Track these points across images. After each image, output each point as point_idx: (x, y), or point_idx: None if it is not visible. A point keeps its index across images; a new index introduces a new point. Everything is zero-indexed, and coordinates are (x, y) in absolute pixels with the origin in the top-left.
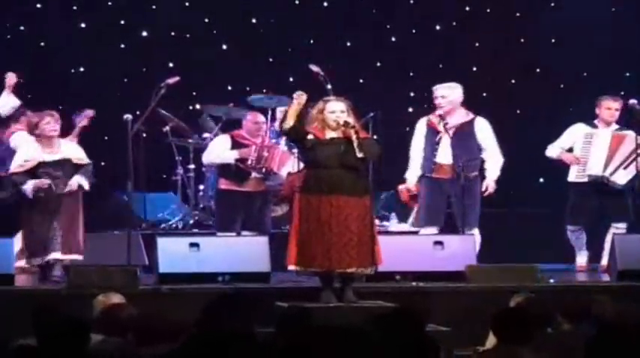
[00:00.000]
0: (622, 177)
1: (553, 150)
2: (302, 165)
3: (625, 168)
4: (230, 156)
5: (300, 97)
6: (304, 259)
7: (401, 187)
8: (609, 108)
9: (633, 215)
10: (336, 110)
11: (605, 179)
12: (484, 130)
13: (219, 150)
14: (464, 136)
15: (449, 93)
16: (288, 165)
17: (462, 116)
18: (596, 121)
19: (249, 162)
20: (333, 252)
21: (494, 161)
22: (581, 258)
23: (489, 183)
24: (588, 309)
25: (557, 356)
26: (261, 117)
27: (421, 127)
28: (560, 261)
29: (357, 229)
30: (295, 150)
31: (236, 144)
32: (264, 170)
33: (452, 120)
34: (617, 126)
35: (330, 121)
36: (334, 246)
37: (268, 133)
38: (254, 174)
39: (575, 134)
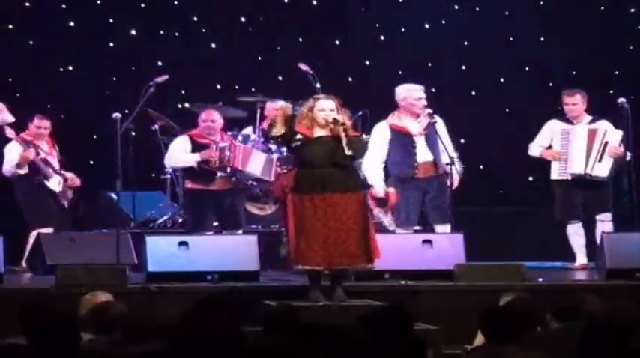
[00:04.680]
0: (602, 170)
1: (534, 149)
2: (275, 158)
3: (600, 160)
4: (191, 159)
5: (285, 109)
6: (306, 258)
7: (379, 194)
8: (566, 103)
9: (627, 210)
10: (326, 108)
11: (588, 175)
12: (443, 129)
13: (178, 153)
14: (433, 135)
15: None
16: (253, 160)
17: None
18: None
19: (213, 163)
20: (332, 249)
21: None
22: (581, 258)
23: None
24: (578, 308)
25: (546, 354)
26: (215, 115)
27: (383, 132)
28: (550, 260)
29: (354, 225)
30: (255, 145)
31: (195, 144)
32: (228, 169)
33: (424, 120)
34: (589, 118)
35: (319, 119)
36: (333, 243)
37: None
38: (220, 174)
39: (551, 130)
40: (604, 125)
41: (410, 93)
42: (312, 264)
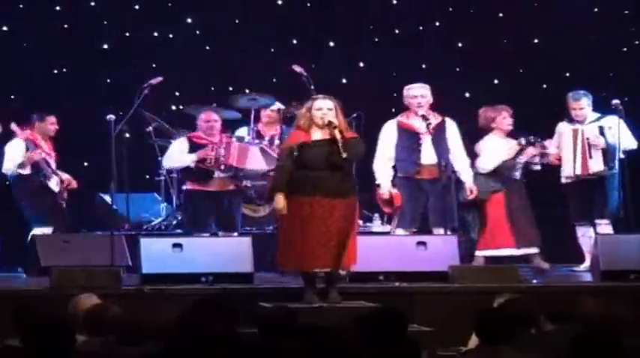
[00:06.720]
0: (597, 165)
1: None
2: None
3: (591, 157)
4: (188, 159)
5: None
6: (292, 260)
7: (384, 196)
8: (573, 108)
9: (621, 211)
10: (323, 107)
11: (584, 175)
12: (454, 132)
13: (176, 154)
14: (440, 137)
15: (427, 94)
16: (251, 156)
17: (434, 117)
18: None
19: (208, 162)
20: (316, 252)
21: (464, 164)
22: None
23: (472, 187)
24: (572, 310)
25: (540, 356)
26: (214, 116)
27: (391, 130)
28: (553, 263)
29: (338, 230)
30: (255, 141)
31: (193, 146)
32: (222, 167)
33: (433, 119)
34: (596, 116)
35: (316, 119)
36: (316, 246)
37: (225, 131)
38: (218, 174)
39: (558, 133)
40: (608, 122)
41: (407, 91)
42: (296, 266)
